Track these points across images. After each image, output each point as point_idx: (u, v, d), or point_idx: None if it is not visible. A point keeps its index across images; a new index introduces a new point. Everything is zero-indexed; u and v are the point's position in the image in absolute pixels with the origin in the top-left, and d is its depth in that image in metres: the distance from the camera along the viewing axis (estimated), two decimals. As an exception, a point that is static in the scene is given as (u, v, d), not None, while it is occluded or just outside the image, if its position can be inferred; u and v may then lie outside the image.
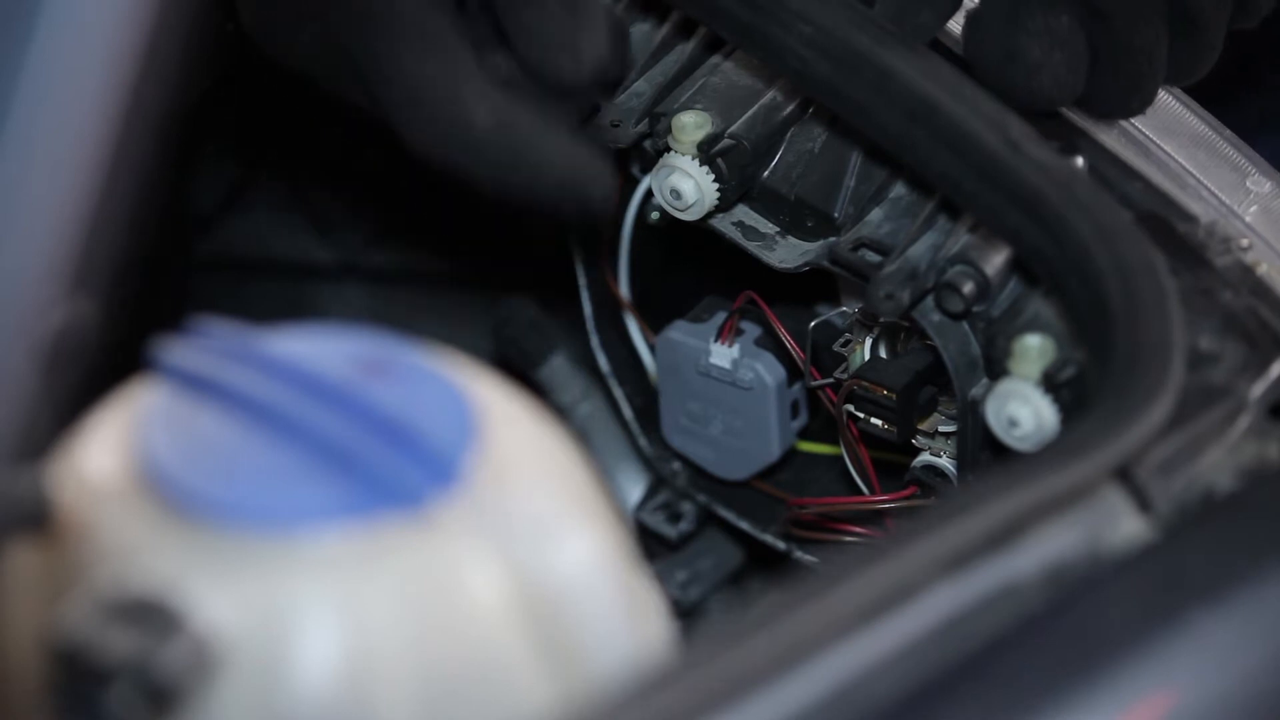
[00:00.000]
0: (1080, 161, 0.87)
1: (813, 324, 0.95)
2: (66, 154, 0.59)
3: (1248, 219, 0.88)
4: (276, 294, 1.23)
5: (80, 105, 0.58)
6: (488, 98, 0.80)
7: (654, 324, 1.00)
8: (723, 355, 0.98)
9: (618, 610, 0.66)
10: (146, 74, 0.59)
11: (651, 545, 1.03)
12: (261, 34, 0.85)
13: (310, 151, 1.22)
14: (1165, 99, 0.92)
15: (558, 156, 0.81)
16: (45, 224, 0.59)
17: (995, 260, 0.85)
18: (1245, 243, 0.85)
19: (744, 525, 1.00)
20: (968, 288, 0.85)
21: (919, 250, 0.87)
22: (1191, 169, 0.89)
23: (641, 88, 0.94)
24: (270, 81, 1.18)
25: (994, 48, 0.85)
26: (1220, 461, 0.76)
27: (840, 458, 0.98)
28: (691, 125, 0.92)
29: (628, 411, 1.04)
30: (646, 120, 0.93)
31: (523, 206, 0.82)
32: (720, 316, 0.99)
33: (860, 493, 0.96)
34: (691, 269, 1.00)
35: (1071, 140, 0.88)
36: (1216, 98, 0.95)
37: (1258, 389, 0.79)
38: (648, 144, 0.94)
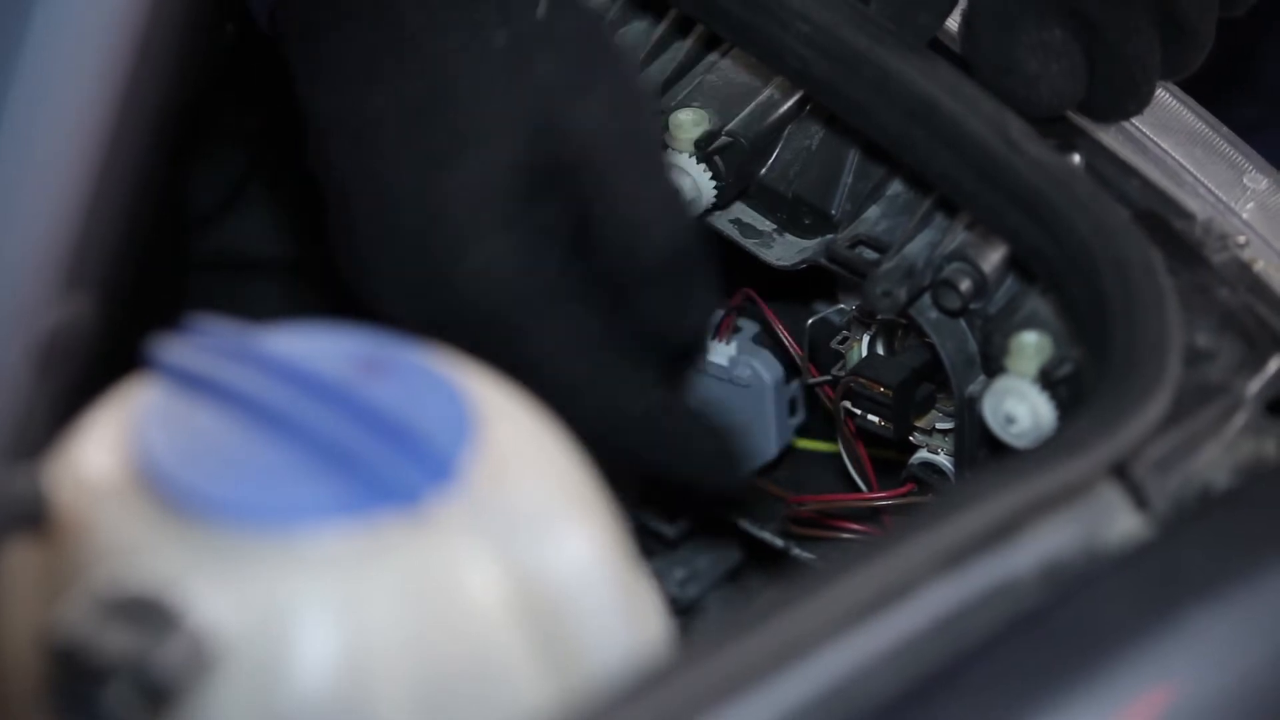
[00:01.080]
0: (1077, 159, 0.87)
1: (810, 321, 0.95)
2: (61, 151, 0.59)
3: (1245, 216, 0.88)
4: (276, 293, 1.23)
5: (75, 103, 0.58)
6: (637, 395, 0.84)
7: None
8: (720, 353, 0.98)
9: (615, 608, 0.66)
10: (141, 72, 0.59)
11: (649, 543, 1.03)
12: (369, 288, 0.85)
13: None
14: (1162, 96, 0.92)
15: (699, 445, 0.85)
16: (40, 222, 0.59)
17: (992, 257, 0.85)
18: (1242, 240, 0.85)
19: (742, 523, 1.00)
20: (965, 285, 0.85)
21: (916, 247, 0.88)
22: (1188, 166, 0.89)
23: (639, 86, 0.94)
24: (270, 81, 1.18)
25: (990, 60, 0.85)
26: (1217, 459, 0.76)
27: (838, 455, 0.98)
28: (689, 123, 0.92)
29: (625, 409, 1.03)
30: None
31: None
32: (717, 314, 0.99)
33: (858, 490, 0.96)
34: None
35: (1069, 138, 0.88)
36: (1215, 98, 0.95)
37: (1254, 386, 0.79)
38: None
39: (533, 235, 0.83)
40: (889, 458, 0.96)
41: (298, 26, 0.87)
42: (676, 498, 0.97)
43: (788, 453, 1.01)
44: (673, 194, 0.86)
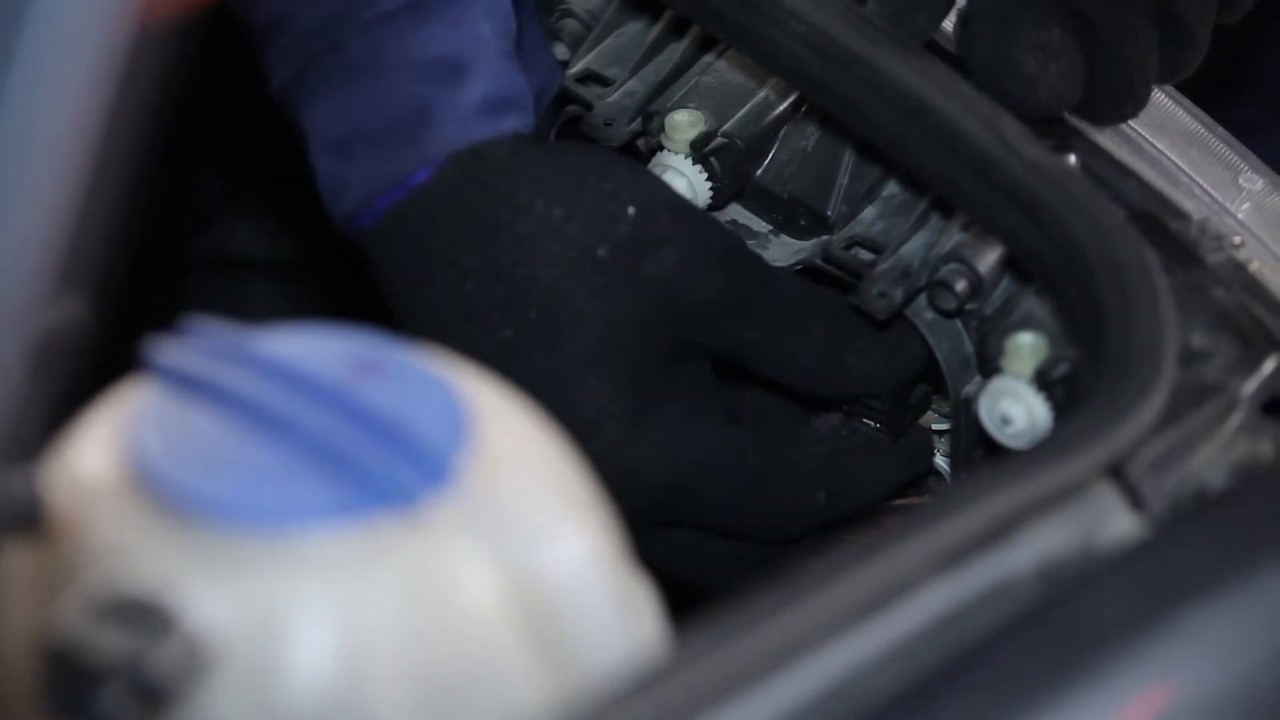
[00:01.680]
0: (1073, 159, 0.87)
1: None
2: (56, 152, 0.59)
3: (1240, 216, 0.88)
4: (272, 293, 1.23)
5: (68, 103, 0.58)
6: (817, 478, 0.90)
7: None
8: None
9: (612, 608, 0.66)
10: (134, 71, 0.58)
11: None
12: None
13: (307, 151, 1.22)
14: (1158, 97, 0.92)
15: (885, 474, 0.93)
16: (35, 223, 0.59)
17: (988, 258, 0.85)
18: (1238, 240, 0.85)
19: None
20: (960, 286, 0.85)
21: (912, 248, 0.88)
22: (1184, 166, 0.89)
23: (634, 87, 0.94)
24: (267, 82, 1.18)
25: (988, 60, 0.85)
26: (1212, 459, 0.76)
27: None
28: (685, 124, 0.92)
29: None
30: (640, 119, 0.93)
31: None
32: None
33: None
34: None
35: (1064, 138, 0.88)
36: (1213, 99, 0.95)
37: (1250, 386, 0.79)
38: (641, 143, 0.94)
39: (685, 402, 0.88)
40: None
41: (396, 264, 0.89)
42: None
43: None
44: (816, 300, 0.91)
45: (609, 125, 0.93)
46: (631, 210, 0.87)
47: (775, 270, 0.91)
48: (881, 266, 0.87)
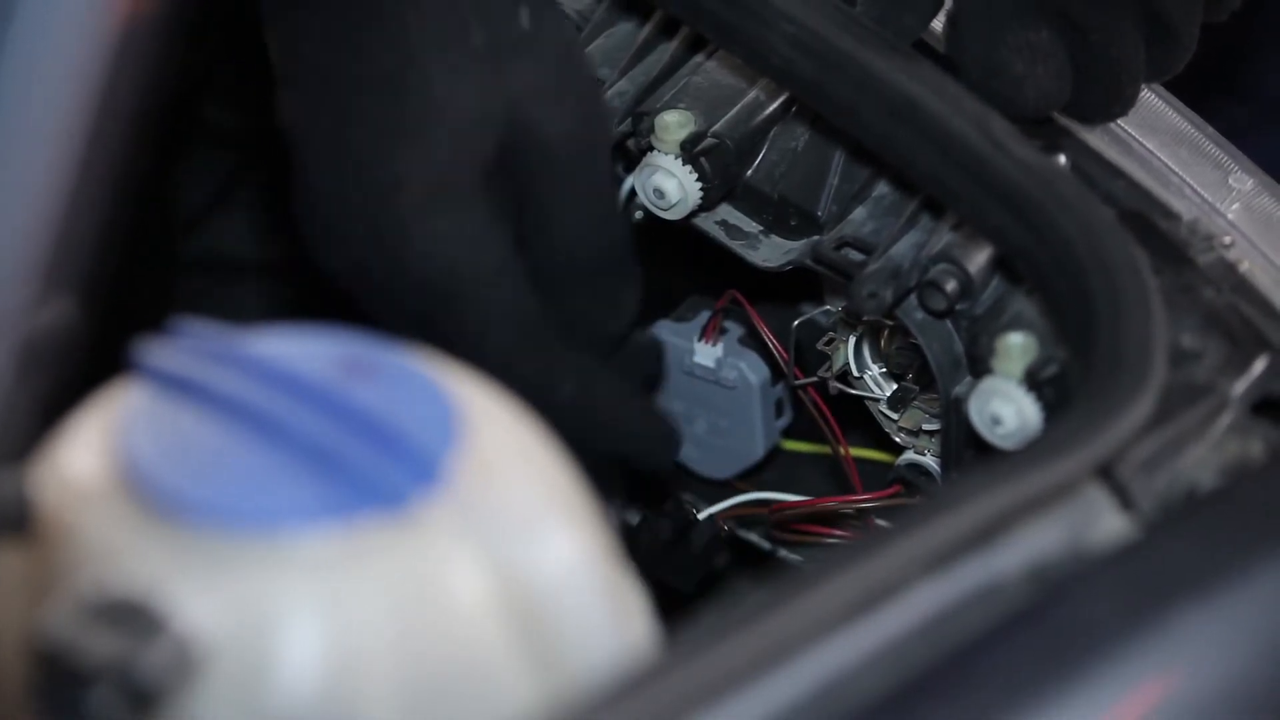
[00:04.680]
0: (1063, 159, 0.87)
1: (796, 323, 0.95)
2: (43, 153, 0.59)
3: (1230, 216, 0.88)
4: (262, 294, 1.23)
5: (55, 104, 0.58)
6: (572, 373, 0.87)
7: (638, 324, 1.00)
8: (706, 354, 0.98)
9: (601, 609, 0.66)
10: (122, 71, 0.58)
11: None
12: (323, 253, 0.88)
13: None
14: (1147, 97, 0.92)
15: (631, 427, 0.89)
16: (23, 224, 0.59)
17: (978, 258, 0.85)
18: (1228, 240, 0.85)
19: (728, 524, 1.00)
20: (951, 286, 0.85)
21: (902, 249, 0.88)
22: (1174, 166, 0.89)
23: (624, 87, 0.94)
24: (260, 79, 1.18)
25: (976, 61, 0.85)
26: (1202, 459, 0.76)
27: (825, 456, 0.98)
28: (675, 124, 0.92)
29: (612, 411, 1.03)
30: (629, 120, 0.93)
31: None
32: (704, 316, 0.99)
33: (845, 490, 0.96)
34: (675, 268, 1.00)
35: (1054, 139, 0.88)
36: (1205, 100, 0.95)
37: (1240, 386, 0.79)
38: (631, 143, 0.94)
39: (483, 221, 0.86)
40: (876, 459, 0.96)
41: None
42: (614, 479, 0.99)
43: (774, 454, 1.01)
44: (614, 206, 0.90)
45: (599, 125, 0.93)
46: (526, 22, 0.86)
47: (604, 172, 0.89)
48: (872, 267, 0.87)
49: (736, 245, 0.93)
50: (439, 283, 0.85)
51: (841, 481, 0.96)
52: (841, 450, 0.95)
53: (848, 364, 0.93)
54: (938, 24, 0.90)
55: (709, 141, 0.91)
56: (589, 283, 0.88)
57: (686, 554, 0.99)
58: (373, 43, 0.86)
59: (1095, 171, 0.88)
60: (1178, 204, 0.87)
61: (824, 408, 0.95)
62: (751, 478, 1.01)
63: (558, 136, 0.86)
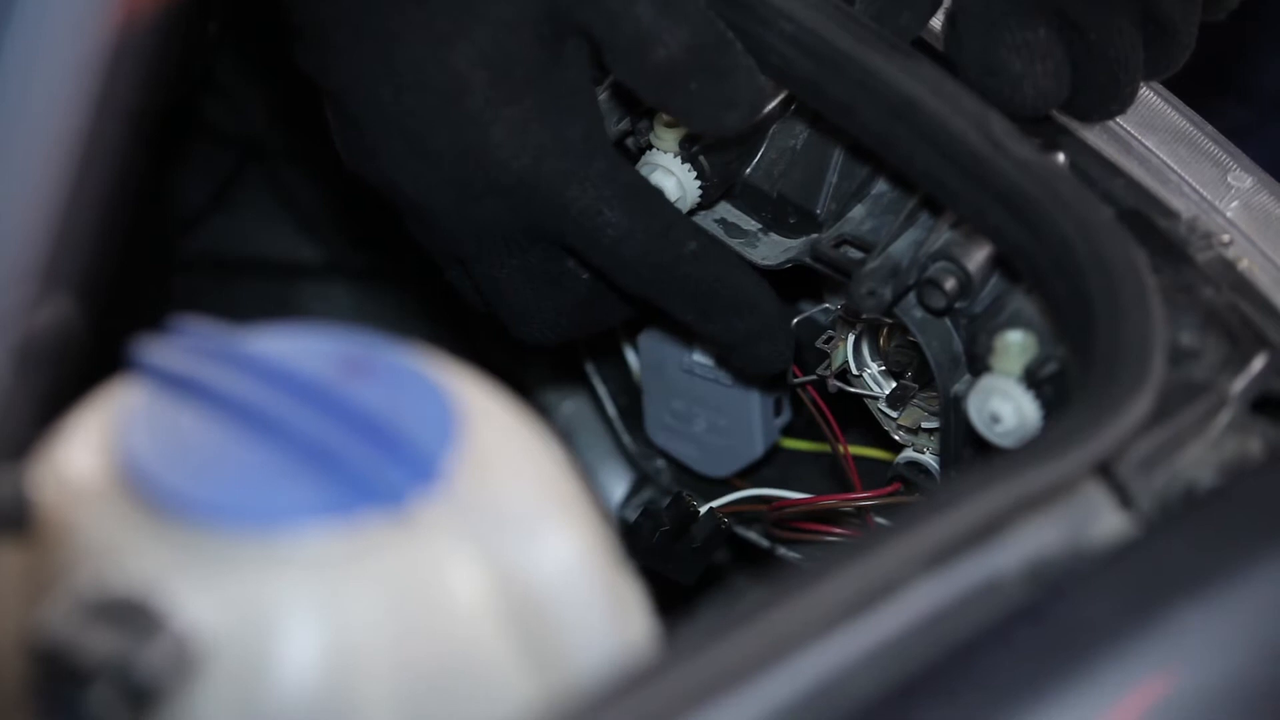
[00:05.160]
0: (1061, 158, 0.87)
1: (795, 321, 0.95)
2: (41, 152, 0.59)
3: (1229, 214, 0.88)
4: (262, 293, 1.23)
5: (54, 103, 0.58)
6: (691, 230, 0.88)
7: (638, 322, 1.00)
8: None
9: (599, 607, 0.66)
10: (119, 72, 0.58)
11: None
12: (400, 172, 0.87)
13: (297, 151, 1.22)
14: (1146, 95, 0.92)
15: (751, 288, 0.90)
16: (22, 224, 0.59)
17: (977, 257, 0.85)
18: (1226, 238, 0.85)
19: (727, 522, 1.00)
20: (950, 284, 0.85)
21: (901, 247, 0.88)
22: (1173, 164, 0.89)
23: (624, 86, 0.94)
24: (257, 80, 1.18)
25: (974, 60, 0.85)
26: (1201, 457, 0.76)
27: (824, 454, 0.98)
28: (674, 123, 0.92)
29: (611, 409, 1.04)
30: (629, 118, 0.93)
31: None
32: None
33: (844, 489, 0.96)
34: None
35: (1053, 137, 0.88)
36: (1207, 101, 0.95)
37: (1239, 384, 0.79)
38: (630, 142, 0.93)
39: (558, 92, 0.85)
40: (876, 457, 0.96)
41: None
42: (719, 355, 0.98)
43: (773, 452, 1.01)
44: (687, 22, 0.86)
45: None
46: None
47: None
48: (871, 265, 0.87)
49: (736, 243, 0.93)
50: (532, 171, 0.84)
51: (840, 479, 0.97)
52: (840, 448, 0.95)
53: (847, 362, 0.93)
54: (936, 22, 0.90)
55: (708, 139, 0.91)
56: (683, 83, 0.85)
57: (687, 547, 0.99)
58: None
59: (1094, 170, 0.88)
60: (1176, 202, 0.87)
61: (823, 406, 0.95)
62: (751, 476, 1.01)
63: None
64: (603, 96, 0.93)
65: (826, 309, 0.95)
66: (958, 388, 0.87)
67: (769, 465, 1.01)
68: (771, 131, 0.93)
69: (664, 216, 0.88)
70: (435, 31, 0.84)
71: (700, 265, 0.88)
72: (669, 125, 0.91)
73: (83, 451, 0.65)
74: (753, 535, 0.99)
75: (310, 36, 0.86)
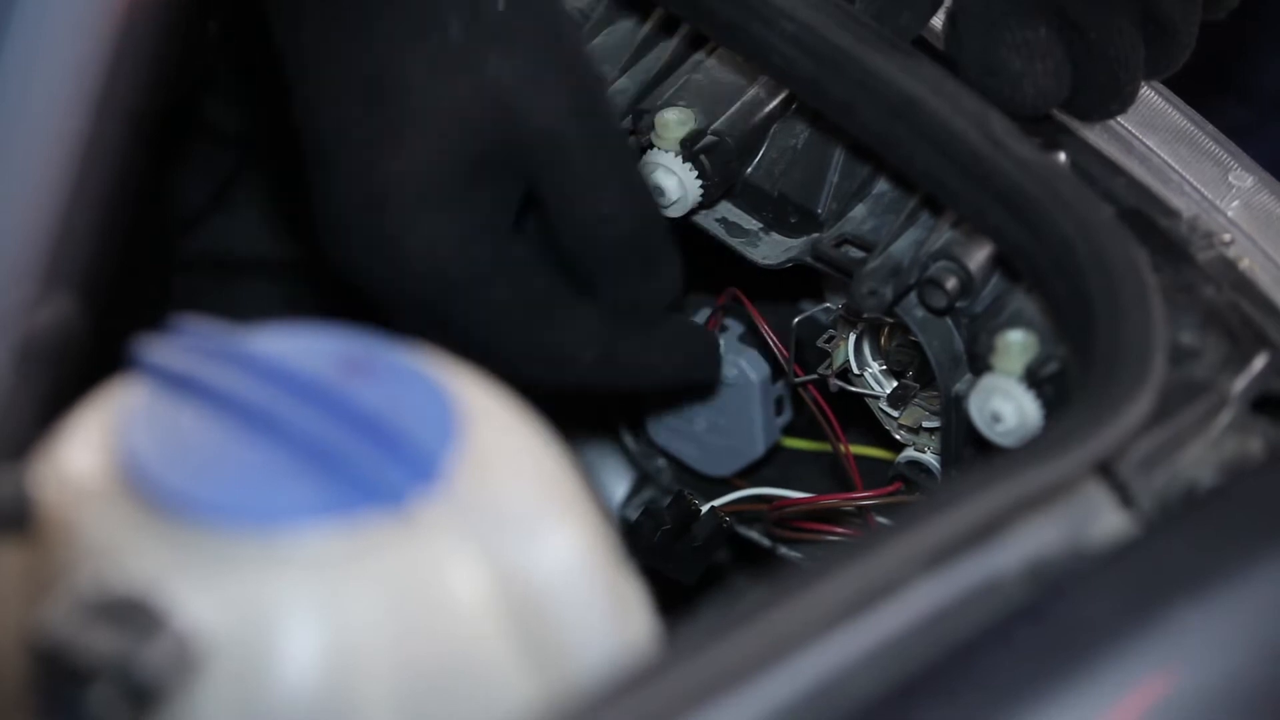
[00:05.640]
0: (1062, 157, 0.87)
1: (796, 320, 0.95)
2: (42, 152, 0.59)
3: (1230, 214, 0.88)
4: (262, 292, 1.23)
5: (53, 103, 0.58)
6: (592, 340, 0.88)
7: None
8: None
9: (600, 607, 0.66)
10: (120, 71, 0.58)
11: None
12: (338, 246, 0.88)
13: (298, 150, 1.22)
14: (1147, 94, 0.92)
15: (663, 365, 0.91)
16: (23, 223, 0.59)
17: (978, 256, 0.85)
18: (1227, 238, 0.85)
19: (728, 521, 1.00)
20: (951, 284, 0.85)
21: (902, 246, 0.88)
22: (1174, 164, 0.89)
23: (624, 85, 0.94)
24: (258, 80, 1.18)
25: (974, 59, 0.85)
26: (1202, 456, 0.76)
27: (825, 454, 0.98)
28: (675, 122, 0.92)
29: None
30: (630, 117, 0.93)
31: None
32: (704, 313, 0.99)
33: (845, 488, 0.96)
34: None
35: (1054, 136, 0.88)
36: (1208, 101, 0.95)
37: (1239, 384, 0.79)
38: (631, 141, 0.94)
39: (477, 214, 0.86)
40: (876, 456, 0.96)
41: None
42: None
43: (775, 451, 1.01)
44: (634, 180, 0.88)
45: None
46: (501, 3, 0.85)
47: (611, 137, 0.88)
48: (872, 264, 0.87)
49: (736, 243, 0.93)
50: (434, 282, 0.86)
51: (841, 479, 0.96)
52: (841, 448, 0.95)
53: (848, 361, 0.93)
54: (937, 22, 0.90)
55: (709, 139, 0.91)
56: (623, 260, 0.88)
57: (688, 547, 0.99)
58: (351, 45, 0.86)
59: (1095, 169, 0.88)
60: (1177, 201, 0.87)
61: (824, 405, 0.95)
62: (752, 475, 1.01)
63: (554, 121, 0.85)
64: (611, 89, 0.93)
65: (828, 308, 0.95)
66: (959, 387, 0.87)
67: (770, 465, 1.01)
68: (773, 131, 0.93)
69: (560, 335, 0.88)
70: (373, 133, 0.85)
71: (603, 373, 0.89)
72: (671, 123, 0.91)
73: (83, 451, 0.64)
74: (754, 535, 0.99)
75: (292, 100, 0.88)
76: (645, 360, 0.90)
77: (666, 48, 0.94)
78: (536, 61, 0.85)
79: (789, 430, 1.01)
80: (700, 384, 0.93)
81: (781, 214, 0.93)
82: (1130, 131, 0.90)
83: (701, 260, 0.98)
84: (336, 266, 0.88)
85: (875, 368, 0.94)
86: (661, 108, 0.92)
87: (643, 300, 0.89)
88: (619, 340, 0.89)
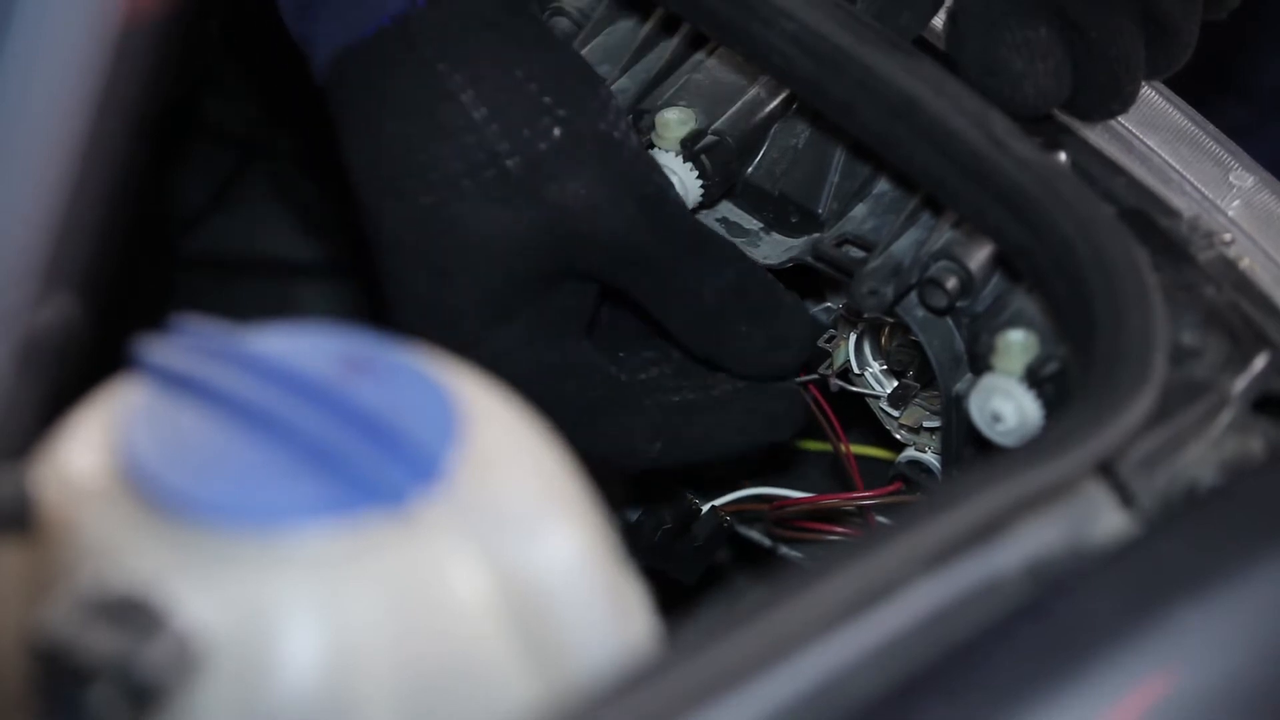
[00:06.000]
0: (1063, 157, 0.87)
1: (797, 320, 0.95)
2: (42, 153, 0.59)
3: (1230, 213, 0.88)
4: (263, 292, 1.23)
5: (54, 103, 0.58)
6: (658, 432, 0.90)
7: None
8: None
9: (601, 606, 0.66)
10: (120, 72, 0.58)
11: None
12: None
13: (298, 150, 1.22)
14: (1148, 94, 0.92)
15: (736, 438, 0.92)
16: (23, 222, 0.59)
17: (979, 256, 0.85)
18: (1228, 237, 0.85)
19: (729, 521, 1.00)
20: (951, 283, 0.85)
21: (902, 246, 0.88)
22: (1174, 164, 0.89)
23: (625, 85, 0.94)
24: (257, 80, 1.18)
25: (975, 59, 0.85)
26: (1203, 456, 0.76)
27: (825, 453, 0.97)
28: (675, 122, 0.92)
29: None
30: (630, 117, 0.93)
31: None
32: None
33: (846, 487, 0.96)
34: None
35: (1054, 136, 0.88)
36: (1208, 100, 0.95)
37: (1240, 384, 0.79)
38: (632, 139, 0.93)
39: (545, 322, 0.88)
40: (877, 456, 0.96)
41: (340, 105, 0.90)
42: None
43: (776, 451, 1.01)
44: (712, 252, 0.90)
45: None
46: (557, 132, 0.87)
47: (686, 222, 0.90)
48: (872, 264, 0.87)
49: (738, 242, 0.93)
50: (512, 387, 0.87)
51: (842, 479, 0.96)
52: (842, 447, 0.95)
53: (848, 361, 0.93)
54: (937, 22, 0.90)
55: (710, 139, 0.91)
56: (731, 320, 0.89)
57: (689, 545, 0.99)
58: (409, 182, 0.87)
59: (1095, 169, 0.88)
60: (1178, 201, 0.87)
61: (825, 405, 0.95)
62: (752, 474, 1.01)
63: (624, 233, 0.88)
64: (611, 88, 0.93)
65: (828, 308, 0.95)
66: (959, 387, 0.87)
67: (771, 464, 1.01)
68: (773, 131, 0.93)
69: (628, 422, 0.90)
70: (435, 266, 0.88)
71: (668, 453, 0.91)
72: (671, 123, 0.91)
73: (84, 450, 0.64)
74: (754, 534, 0.99)
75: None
76: (714, 438, 0.91)
77: (667, 47, 0.94)
78: (597, 181, 0.88)
79: (790, 430, 1.00)
80: (777, 444, 0.94)
81: (782, 214, 0.93)
82: (1131, 131, 0.90)
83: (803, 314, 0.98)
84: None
85: (876, 367, 0.94)
86: (662, 107, 0.92)
87: (764, 359, 0.90)
88: (686, 424, 0.90)
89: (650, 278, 0.89)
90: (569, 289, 0.89)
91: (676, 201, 0.90)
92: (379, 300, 0.92)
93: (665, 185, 0.90)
